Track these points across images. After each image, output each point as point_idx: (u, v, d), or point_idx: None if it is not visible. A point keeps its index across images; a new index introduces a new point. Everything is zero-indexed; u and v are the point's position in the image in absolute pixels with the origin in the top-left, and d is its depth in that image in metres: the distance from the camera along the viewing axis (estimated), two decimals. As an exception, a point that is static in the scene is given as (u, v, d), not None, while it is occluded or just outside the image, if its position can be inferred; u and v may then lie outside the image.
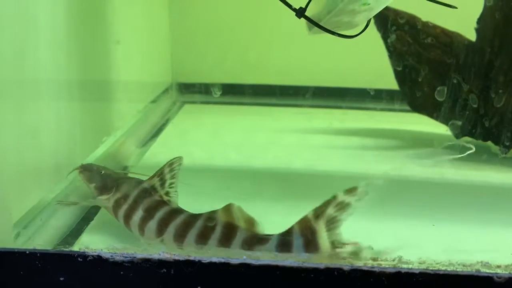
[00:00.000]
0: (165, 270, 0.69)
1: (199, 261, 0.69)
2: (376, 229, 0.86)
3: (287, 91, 1.66)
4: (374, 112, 1.52)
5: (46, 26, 0.84)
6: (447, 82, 1.15)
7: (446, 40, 1.22)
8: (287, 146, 1.29)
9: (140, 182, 0.81)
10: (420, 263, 0.68)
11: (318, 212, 0.68)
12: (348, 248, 0.69)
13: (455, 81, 1.15)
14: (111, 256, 0.69)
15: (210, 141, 1.32)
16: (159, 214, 0.75)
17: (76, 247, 0.75)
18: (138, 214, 0.76)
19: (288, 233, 0.69)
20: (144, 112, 1.41)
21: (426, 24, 1.24)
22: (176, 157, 0.80)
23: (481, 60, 1.16)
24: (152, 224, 0.75)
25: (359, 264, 0.68)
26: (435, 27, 1.24)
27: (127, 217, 0.78)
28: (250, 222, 0.70)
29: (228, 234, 0.70)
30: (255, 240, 0.70)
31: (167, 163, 0.80)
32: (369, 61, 1.43)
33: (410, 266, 0.68)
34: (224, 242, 0.70)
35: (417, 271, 0.67)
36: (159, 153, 1.21)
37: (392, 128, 1.41)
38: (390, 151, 1.25)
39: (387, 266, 0.68)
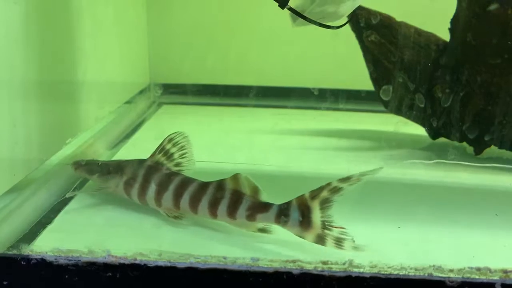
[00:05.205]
0: (110, 274, 0.68)
1: (145, 265, 0.67)
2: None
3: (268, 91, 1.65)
4: (351, 113, 1.51)
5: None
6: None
7: (419, 40, 1.21)
8: (261, 147, 1.27)
9: (142, 161, 0.87)
10: (371, 267, 0.67)
11: (314, 194, 0.72)
12: (335, 232, 0.71)
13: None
14: (55, 259, 0.68)
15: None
16: (173, 185, 0.81)
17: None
18: (152, 189, 0.82)
19: (287, 206, 0.74)
20: (117, 113, 1.39)
21: (400, 24, 1.23)
22: (176, 132, 0.86)
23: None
24: (168, 195, 0.81)
25: (308, 268, 0.66)
26: (409, 27, 1.23)
27: (141, 194, 0.83)
28: (255, 190, 0.76)
29: (235, 200, 0.76)
30: (258, 206, 0.75)
31: (166, 138, 0.86)
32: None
33: (361, 270, 0.66)
34: (232, 207, 0.76)
35: (368, 275, 0.65)
36: (129, 155, 1.19)
37: (364, 129, 1.39)
38: (364, 152, 1.23)
39: (337, 270, 0.66)
